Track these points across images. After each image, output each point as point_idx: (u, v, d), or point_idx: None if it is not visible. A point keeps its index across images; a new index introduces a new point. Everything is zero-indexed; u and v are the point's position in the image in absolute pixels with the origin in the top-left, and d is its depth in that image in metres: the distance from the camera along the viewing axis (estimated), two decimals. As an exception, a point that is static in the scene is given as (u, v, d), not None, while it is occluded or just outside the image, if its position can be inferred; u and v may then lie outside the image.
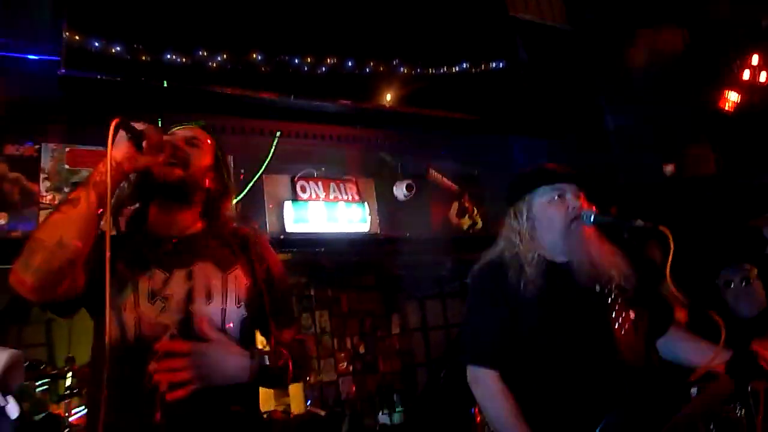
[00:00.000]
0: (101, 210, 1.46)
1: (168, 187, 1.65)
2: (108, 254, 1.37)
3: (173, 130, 1.80)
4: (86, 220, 1.44)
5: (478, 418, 3.85)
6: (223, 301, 1.61)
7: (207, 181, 1.75)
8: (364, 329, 6.19)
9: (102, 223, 1.48)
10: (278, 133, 3.66)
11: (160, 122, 1.82)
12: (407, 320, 6.51)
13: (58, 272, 1.41)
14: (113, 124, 1.44)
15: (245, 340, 1.65)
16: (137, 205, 1.71)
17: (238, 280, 1.66)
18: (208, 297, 1.60)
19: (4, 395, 1.06)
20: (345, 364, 5.98)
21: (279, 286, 1.78)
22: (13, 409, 1.06)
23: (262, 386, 1.75)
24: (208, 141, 1.79)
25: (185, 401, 1.47)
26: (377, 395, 5.71)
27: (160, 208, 1.70)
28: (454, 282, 6.25)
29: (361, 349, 6.13)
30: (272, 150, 3.61)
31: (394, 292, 6.33)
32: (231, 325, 1.62)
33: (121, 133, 1.48)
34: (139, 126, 1.50)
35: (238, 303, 1.63)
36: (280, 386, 1.84)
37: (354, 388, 5.84)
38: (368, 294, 6.31)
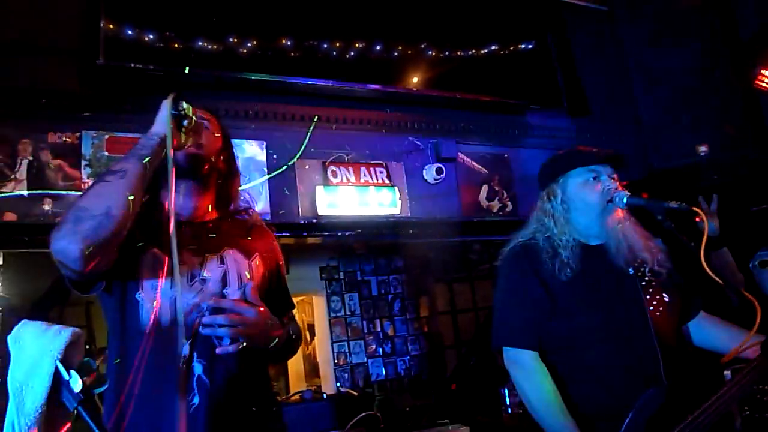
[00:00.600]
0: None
1: (186, 168, 1.63)
2: (172, 228, 1.40)
3: None
4: (133, 192, 1.43)
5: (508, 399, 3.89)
6: None
7: (219, 162, 1.75)
8: (392, 312, 6.26)
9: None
10: (316, 118, 3.69)
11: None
12: (436, 303, 6.55)
13: (105, 243, 1.38)
14: (170, 97, 1.49)
15: None
16: (147, 197, 1.65)
17: (258, 268, 1.73)
18: (240, 282, 1.65)
19: (67, 370, 1.13)
20: (374, 346, 6.07)
21: (282, 273, 1.88)
22: (76, 384, 1.13)
23: (278, 359, 1.84)
24: (216, 121, 1.78)
25: (222, 383, 1.52)
26: (406, 377, 5.79)
27: (176, 194, 1.65)
28: (482, 265, 6.26)
29: (390, 332, 6.20)
30: (308, 134, 3.65)
31: (423, 275, 6.36)
32: None
33: (166, 111, 1.50)
34: (184, 106, 1.54)
35: (258, 289, 1.67)
36: (286, 359, 1.92)
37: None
38: (397, 277, 6.37)
